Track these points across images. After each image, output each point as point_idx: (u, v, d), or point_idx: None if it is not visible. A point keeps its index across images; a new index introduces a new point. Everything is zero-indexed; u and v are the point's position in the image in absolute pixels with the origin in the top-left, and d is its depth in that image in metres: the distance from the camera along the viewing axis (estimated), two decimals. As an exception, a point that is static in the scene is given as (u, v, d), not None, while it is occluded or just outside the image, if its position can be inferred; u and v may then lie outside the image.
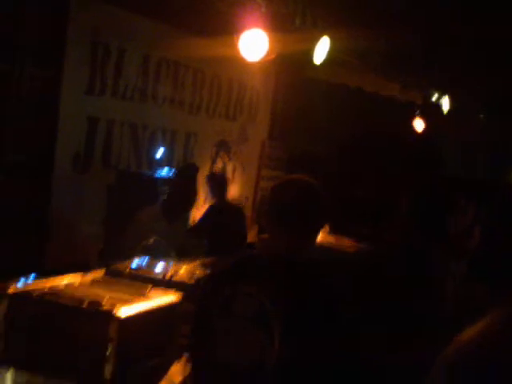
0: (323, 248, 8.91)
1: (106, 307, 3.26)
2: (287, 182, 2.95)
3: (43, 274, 4.05)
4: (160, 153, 7.87)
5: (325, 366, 2.45)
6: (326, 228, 9.78)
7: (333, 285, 2.71)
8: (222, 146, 9.31)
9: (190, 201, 6.36)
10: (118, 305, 3.33)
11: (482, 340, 0.73)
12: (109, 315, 3.19)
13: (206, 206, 7.72)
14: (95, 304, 3.30)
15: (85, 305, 3.28)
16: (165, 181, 6.95)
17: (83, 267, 4.96)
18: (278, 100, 10.36)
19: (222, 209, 7.27)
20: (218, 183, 7.41)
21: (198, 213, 7.96)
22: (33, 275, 3.70)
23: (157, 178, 7.11)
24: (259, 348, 2.50)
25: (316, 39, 7.10)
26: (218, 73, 8.85)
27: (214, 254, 5.33)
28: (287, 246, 2.77)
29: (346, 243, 9.08)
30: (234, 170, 9.58)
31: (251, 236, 9.38)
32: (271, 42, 6.39)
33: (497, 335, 0.73)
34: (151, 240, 4.93)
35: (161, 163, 7.77)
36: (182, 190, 6.21)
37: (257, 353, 2.50)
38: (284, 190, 2.90)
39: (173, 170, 7.23)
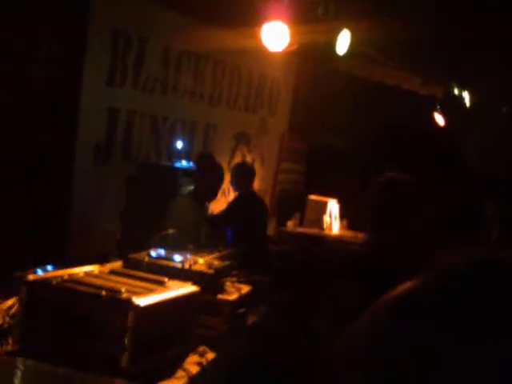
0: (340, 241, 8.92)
1: (124, 295, 3.24)
2: (395, 183, 2.93)
3: (64, 264, 4.04)
4: (180, 144, 7.86)
5: None
6: (345, 223, 9.78)
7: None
8: (242, 139, 9.28)
9: (213, 190, 6.40)
10: (136, 294, 3.31)
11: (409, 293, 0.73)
12: (127, 303, 3.16)
13: (229, 197, 7.72)
14: (114, 292, 3.27)
15: (104, 292, 3.26)
16: (184, 172, 6.92)
17: (102, 258, 4.96)
18: (298, 92, 10.32)
19: (249, 200, 7.24)
20: (246, 174, 7.37)
21: (216, 203, 7.95)
22: (51, 266, 3.68)
23: (176, 170, 7.09)
24: None
25: (338, 30, 7.05)
26: (238, 64, 8.83)
27: (237, 246, 5.31)
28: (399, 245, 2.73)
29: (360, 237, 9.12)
30: (253, 163, 9.56)
31: (270, 229, 9.36)
32: (293, 32, 6.35)
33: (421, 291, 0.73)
34: (169, 231, 4.90)
35: (180, 155, 7.76)
36: (205, 179, 6.24)
37: None
38: (394, 190, 2.87)
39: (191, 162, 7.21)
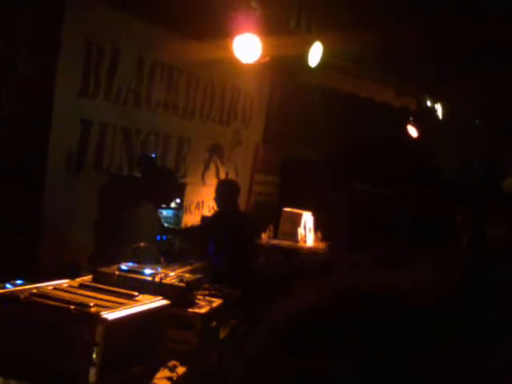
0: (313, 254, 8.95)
1: (93, 310, 3.20)
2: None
3: (34, 276, 4.00)
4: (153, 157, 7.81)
5: None
6: (319, 235, 9.80)
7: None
8: (215, 151, 9.26)
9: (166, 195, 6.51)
10: (105, 308, 3.27)
11: None
12: (96, 318, 3.12)
13: (202, 210, 7.70)
14: (83, 306, 3.24)
15: (72, 307, 3.22)
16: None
17: (73, 271, 4.91)
18: (272, 104, 10.33)
19: (226, 216, 7.17)
20: (227, 190, 7.30)
21: (189, 216, 7.93)
22: (20, 280, 3.65)
23: (151, 182, 7.06)
24: None
25: (310, 43, 7.07)
26: (211, 77, 8.81)
27: (205, 259, 5.30)
28: None
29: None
30: (226, 175, 9.54)
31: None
32: (265, 45, 6.36)
33: None
34: (141, 244, 4.88)
35: (155, 167, 7.71)
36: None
37: None
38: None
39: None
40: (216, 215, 7.38)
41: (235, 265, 6.02)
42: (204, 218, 7.61)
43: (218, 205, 7.29)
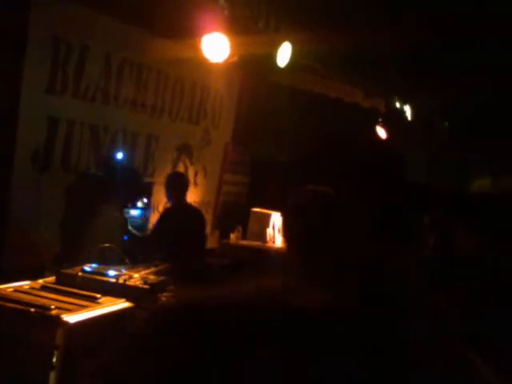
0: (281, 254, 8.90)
1: (53, 312, 3.16)
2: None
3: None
4: (120, 155, 7.74)
5: None
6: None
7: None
8: (184, 150, 9.21)
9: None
10: (66, 310, 3.23)
11: None
12: (56, 320, 3.09)
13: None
14: (43, 309, 3.19)
15: (32, 309, 3.17)
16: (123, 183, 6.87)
17: (38, 271, 4.85)
18: (242, 104, 10.29)
19: (178, 212, 7.12)
20: (178, 185, 7.26)
21: (157, 216, 7.89)
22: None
23: (116, 181, 7.00)
24: None
25: (279, 43, 7.06)
26: (181, 76, 8.77)
27: (171, 259, 5.25)
28: None
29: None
30: (195, 174, 9.49)
31: (212, 241, 9.31)
32: (234, 44, 6.34)
33: None
34: (106, 245, 4.83)
35: (121, 166, 7.65)
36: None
37: None
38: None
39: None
40: (165, 211, 7.35)
41: (184, 262, 5.93)
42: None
43: (167, 200, 7.26)
